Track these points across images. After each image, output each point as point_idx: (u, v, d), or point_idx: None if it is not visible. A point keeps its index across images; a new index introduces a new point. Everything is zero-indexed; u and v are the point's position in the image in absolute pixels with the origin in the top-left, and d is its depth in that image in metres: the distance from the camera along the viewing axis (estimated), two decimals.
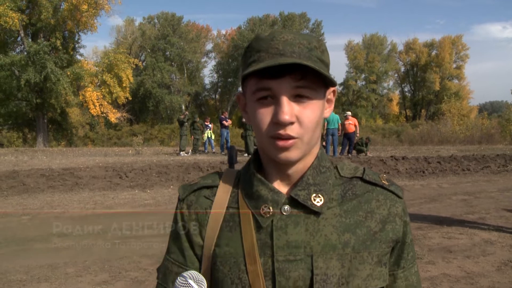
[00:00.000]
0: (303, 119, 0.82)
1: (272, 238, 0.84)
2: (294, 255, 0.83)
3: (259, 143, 0.87)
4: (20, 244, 5.69)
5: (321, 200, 0.85)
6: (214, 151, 18.05)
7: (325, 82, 0.85)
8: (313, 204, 0.85)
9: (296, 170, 0.88)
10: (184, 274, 0.85)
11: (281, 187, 0.89)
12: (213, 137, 18.56)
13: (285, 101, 0.80)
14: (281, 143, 0.81)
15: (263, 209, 0.86)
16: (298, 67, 0.79)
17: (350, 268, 0.83)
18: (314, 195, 0.86)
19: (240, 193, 0.91)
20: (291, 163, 0.85)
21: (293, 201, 0.86)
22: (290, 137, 0.81)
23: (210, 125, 18.54)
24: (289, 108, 0.80)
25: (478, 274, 4.44)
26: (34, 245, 5.65)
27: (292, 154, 0.83)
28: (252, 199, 0.88)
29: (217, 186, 0.94)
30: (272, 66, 0.78)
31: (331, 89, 0.90)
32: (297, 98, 0.82)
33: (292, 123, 0.81)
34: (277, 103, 0.81)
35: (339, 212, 0.86)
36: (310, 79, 0.81)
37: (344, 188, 0.89)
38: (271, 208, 0.85)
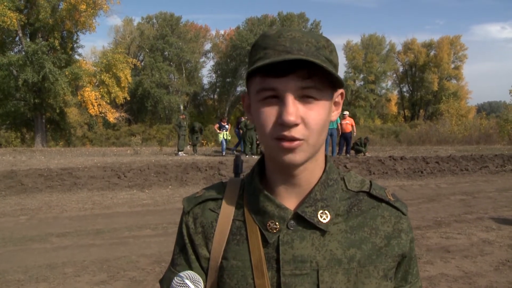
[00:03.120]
0: (309, 120, 0.79)
1: (278, 252, 0.84)
2: (300, 270, 0.83)
3: (264, 145, 0.85)
4: (18, 244, 5.68)
5: (327, 217, 0.85)
6: (224, 154, 17.35)
7: (333, 83, 0.82)
8: (320, 221, 0.85)
9: (301, 176, 0.87)
10: (181, 274, 0.85)
11: (287, 198, 0.88)
12: (229, 138, 17.83)
13: (290, 101, 0.78)
14: (286, 144, 0.79)
15: (269, 225, 0.86)
16: (305, 66, 0.77)
17: (356, 282, 0.83)
18: (320, 211, 0.85)
19: (246, 206, 0.90)
20: (296, 166, 0.84)
21: (299, 217, 0.85)
22: (294, 139, 0.79)
23: (227, 126, 17.81)
24: (294, 109, 0.78)
25: (476, 274, 4.45)
26: (32, 245, 5.64)
27: (297, 157, 0.81)
28: (258, 214, 0.87)
29: (222, 198, 0.93)
30: (277, 64, 0.76)
31: (339, 91, 0.89)
32: (303, 98, 0.79)
33: (297, 124, 0.78)
34: (281, 103, 0.79)
35: (344, 228, 0.86)
36: (317, 79, 0.79)
37: (351, 203, 0.89)
38: (277, 224, 0.85)
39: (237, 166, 1.20)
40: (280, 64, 0.77)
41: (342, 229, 0.86)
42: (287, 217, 0.85)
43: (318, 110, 0.81)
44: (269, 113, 0.80)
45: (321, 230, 0.85)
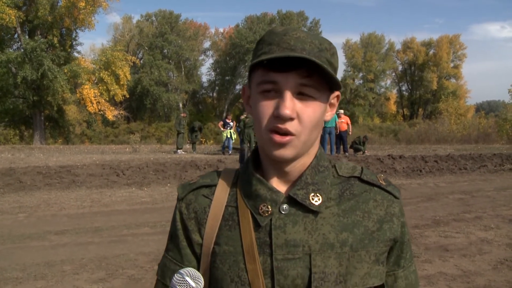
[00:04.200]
0: (304, 117, 0.82)
1: (271, 236, 0.84)
2: (293, 254, 0.83)
3: (258, 137, 0.88)
4: (17, 241, 5.67)
5: (319, 199, 0.86)
6: (230, 152, 16.79)
7: (330, 84, 0.85)
8: (312, 203, 0.85)
9: (293, 169, 0.88)
10: (181, 271, 0.85)
11: (280, 186, 0.89)
12: (234, 137, 17.22)
13: (288, 95, 0.81)
14: (278, 138, 0.82)
15: (261, 208, 0.86)
16: (305, 65, 0.80)
17: (348, 266, 0.84)
18: (312, 194, 0.86)
19: (239, 192, 0.91)
20: (286, 161, 0.86)
21: (291, 200, 0.86)
22: (287, 133, 0.81)
23: (231, 123, 17.40)
24: (291, 103, 0.81)
25: (474, 272, 4.45)
26: (31, 242, 5.63)
27: (287, 152, 0.83)
28: (250, 198, 0.88)
29: (216, 185, 0.94)
30: (280, 59, 0.79)
31: (336, 93, 0.91)
32: (300, 95, 0.82)
33: (292, 119, 0.81)
34: (280, 97, 0.82)
35: (337, 212, 0.87)
36: (316, 79, 0.82)
37: (342, 187, 0.90)
38: (269, 207, 0.86)
39: (243, 156, 1.20)
40: (283, 60, 0.79)
41: (334, 213, 0.87)
42: (279, 200, 0.86)
43: (314, 108, 0.83)
44: (267, 106, 0.83)
45: (314, 213, 0.85)
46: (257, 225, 0.86)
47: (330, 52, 0.85)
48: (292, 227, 0.84)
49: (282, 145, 0.82)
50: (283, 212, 0.85)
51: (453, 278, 4.30)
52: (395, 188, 0.94)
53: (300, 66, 0.80)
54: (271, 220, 0.85)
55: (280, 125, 0.81)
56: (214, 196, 0.92)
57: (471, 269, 4.56)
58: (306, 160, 0.89)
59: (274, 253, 0.84)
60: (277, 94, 0.82)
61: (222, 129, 17.80)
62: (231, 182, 0.94)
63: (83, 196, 8.85)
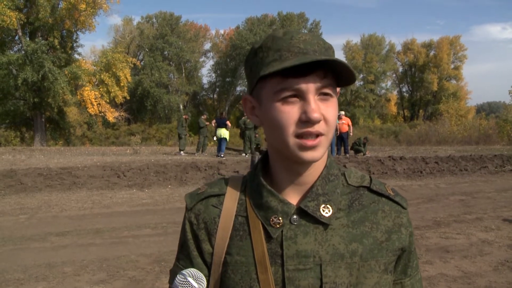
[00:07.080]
0: (328, 116, 0.83)
1: (282, 247, 0.86)
2: (304, 264, 0.85)
3: (277, 145, 0.87)
4: (18, 243, 5.68)
5: (329, 211, 0.87)
6: (218, 155, 16.23)
7: (338, 81, 0.87)
8: (322, 215, 0.86)
9: (308, 173, 0.89)
10: (183, 272, 0.86)
11: (290, 195, 0.90)
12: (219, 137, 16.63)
13: (312, 99, 0.81)
14: (310, 142, 0.82)
15: (272, 220, 0.87)
16: (321, 66, 0.81)
17: (358, 276, 0.85)
18: (323, 205, 0.87)
19: (249, 202, 0.92)
20: (314, 162, 0.86)
21: (302, 212, 0.87)
22: (319, 134, 0.82)
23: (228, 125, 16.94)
24: (317, 106, 0.81)
25: (475, 274, 4.45)
26: (32, 244, 5.64)
27: (317, 153, 0.84)
28: (261, 210, 0.89)
29: (224, 194, 0.95)
30: (300, 64, 0.79)
31: (337, 89, 0.92)
32: (321, 96, 0.83)
33: (319, 121, 0.82)
34: (304, 102, 0.82)
35: (346, 223, 0.88)
36: (331, 77, 0.83)
37: (352, 197, 0.91)
38: (280, 218, 0.87)
39: (253, 162, 1.21)
40: (302, 64, 0.79)
41: (344, 224, 0.88)
42: (290, 212, 0.87)
43: (333, 106, 0.85)
44: (291, 112, 0.82)
45: (324, 224, 0.86)
46: (268, 236, 0.87)
47: (331, 50, 0.87)
48: (303, 238, 0.86)
49: (313, 147, 0.83)
50: (294, 223, 0.87)
51: (453, 279, 4.30)
52: (403, 199, 0.95)
53: (317, 68, 0.81)
54: (282, 231, 0.86)
55: (310, 129, 0.81)
56: (223, 206, 0.93)
57: (471, 270, 4.56)
58: (320, 163, 0.90)
59: (286, 263, 0.85)
60: (299, 99, 0.82)
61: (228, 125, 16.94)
62: (240, 190, 0.95)
63: (84, 197, 8.86)
